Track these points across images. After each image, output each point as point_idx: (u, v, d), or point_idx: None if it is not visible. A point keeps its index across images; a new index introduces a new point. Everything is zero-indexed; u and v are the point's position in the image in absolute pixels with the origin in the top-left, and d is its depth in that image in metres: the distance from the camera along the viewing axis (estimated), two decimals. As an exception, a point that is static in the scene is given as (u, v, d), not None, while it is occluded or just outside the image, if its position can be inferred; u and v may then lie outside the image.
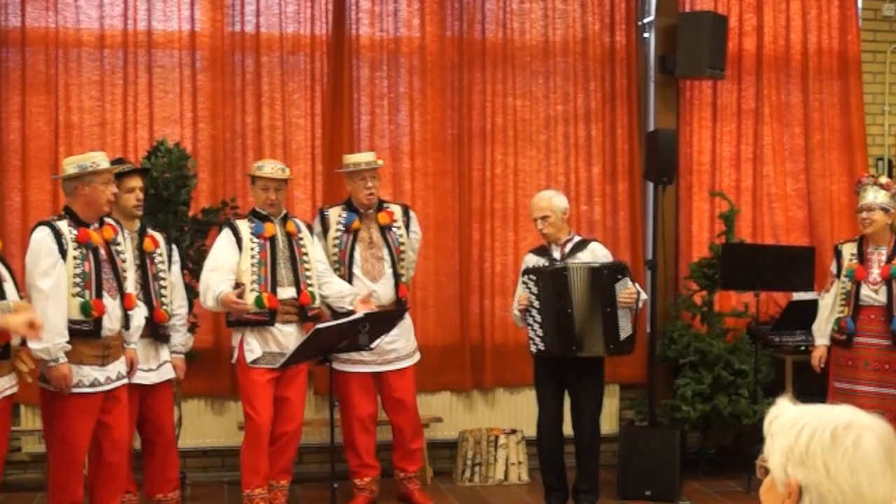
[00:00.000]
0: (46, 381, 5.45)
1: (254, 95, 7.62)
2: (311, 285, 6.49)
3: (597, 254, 6.60)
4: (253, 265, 6.31)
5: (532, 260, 6.63)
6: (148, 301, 6.01)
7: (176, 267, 6.32)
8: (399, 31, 7.83)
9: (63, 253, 5.36)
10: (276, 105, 7.65)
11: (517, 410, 7.74)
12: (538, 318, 6.43)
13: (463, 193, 7.87)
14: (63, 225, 5.44)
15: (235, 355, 6.40)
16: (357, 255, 6.73)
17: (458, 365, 7.81)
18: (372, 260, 6.74)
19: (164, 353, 6.12)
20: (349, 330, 5.53)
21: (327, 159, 7.66)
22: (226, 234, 6.41)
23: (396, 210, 6.91)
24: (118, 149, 7.32)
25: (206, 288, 6.29)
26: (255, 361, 6.31)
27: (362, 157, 6.83)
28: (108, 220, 5.70)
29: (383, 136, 7.81)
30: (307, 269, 6.49)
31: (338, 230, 6.76)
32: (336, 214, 6.81)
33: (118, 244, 5.70)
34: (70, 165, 5.55)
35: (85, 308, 5.43)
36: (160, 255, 6.15)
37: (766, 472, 2.08)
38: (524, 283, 6.51)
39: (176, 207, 6.96)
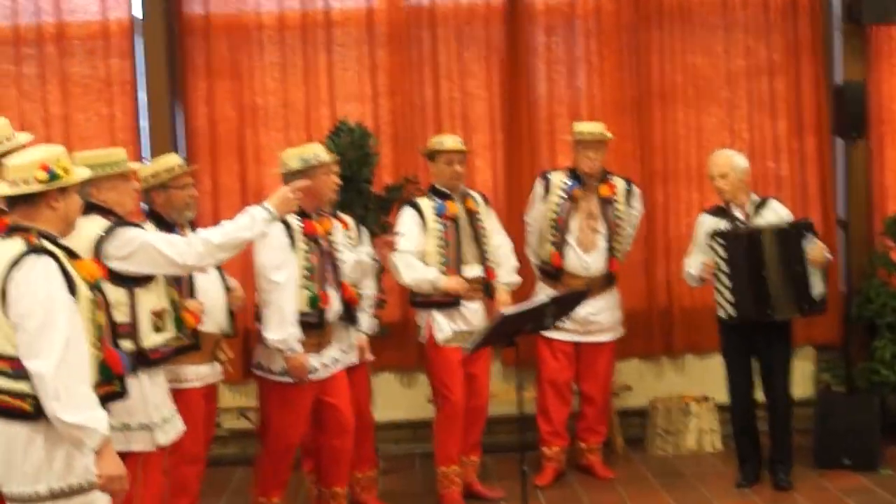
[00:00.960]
0: (264, 370, 5.62)
1: (431, 68, 7.66)
2: (494, 261, 6.53)
3: (779, 212, 6.47)
4: (439, 246, 6.33)
5: (709, 221, 6.49)
6: (338, 283, 6.10)
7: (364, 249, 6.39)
8: (574, -6, 7.72)
9: (293, 245, 5.49)
10: (454, 77, 7.68)
11: (708, 376, 7.59)
12: (728, 282, 6.30)
13: (644, 156, 7.76)
14: (291, 217, 5.49)
15: (425, 335, 6.44)
16: (574, 224, 6.70)
17: (645, 331, 7.75)
18: (588, 231, 6.70)
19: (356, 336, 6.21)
20: (535, 314, 5.52)
21: (507, 128, 7.67)
22: (410, 215, 6.41)
23: (619, 184, 6.84)
24: (301, 128, 7.51)
25: (406, 267, 6.30)
26: (446, 341, 6.35)
27: (586, 127, 6.76)
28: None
29: (561, 102, 7.76)
30: (488, 245, 6.51)
31: (559, 196, 6.72)
32: (559, 180, 6.77)
33: (332, 234, 5.80)
34: (292, 159, 5.63)
35: (313, 301, 5.57)
36: (351, 237, 6.23)
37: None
38: (711, 247, 6.38)
39: (359, 185, 7.03)
